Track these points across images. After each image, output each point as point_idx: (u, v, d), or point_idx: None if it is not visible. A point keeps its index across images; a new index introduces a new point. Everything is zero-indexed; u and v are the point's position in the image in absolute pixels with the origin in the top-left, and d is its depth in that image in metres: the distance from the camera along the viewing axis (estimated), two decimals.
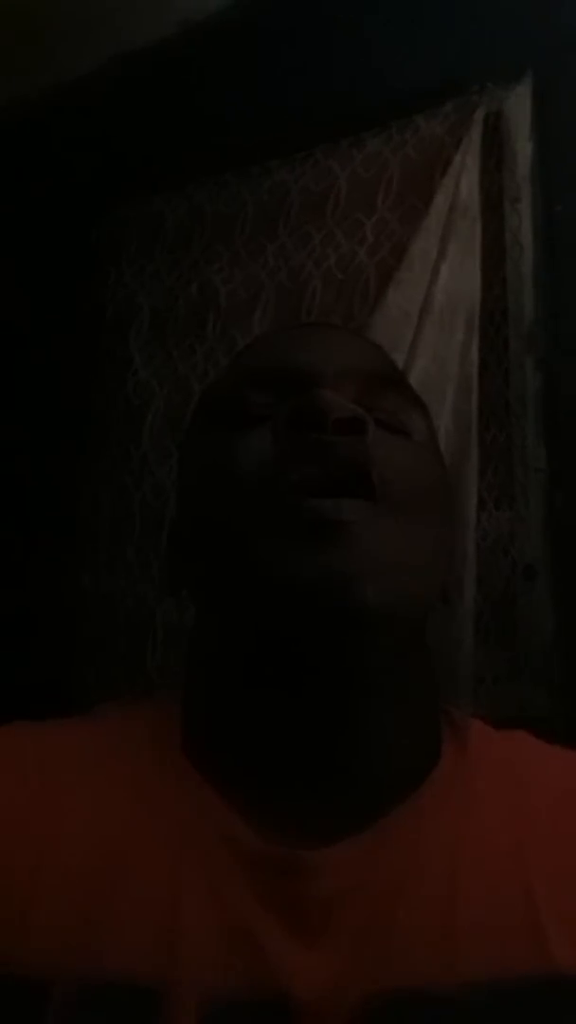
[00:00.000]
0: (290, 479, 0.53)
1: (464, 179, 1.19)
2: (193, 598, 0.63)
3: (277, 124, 1.39)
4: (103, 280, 1.54)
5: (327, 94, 1.35)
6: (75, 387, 1.55)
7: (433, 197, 1.20)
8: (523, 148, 1.22)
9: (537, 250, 1.19)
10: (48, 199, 1.60)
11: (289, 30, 1.39)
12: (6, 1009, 0.50)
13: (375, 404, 0.58)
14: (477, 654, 1.10)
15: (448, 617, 1.04)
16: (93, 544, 1.46)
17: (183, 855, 0.53)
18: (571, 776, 0.61)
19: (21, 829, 0.54)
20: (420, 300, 1.17)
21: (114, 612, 1.39)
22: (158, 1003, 0.49)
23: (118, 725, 0.61)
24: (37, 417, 1.56)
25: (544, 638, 1.12)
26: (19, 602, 1.48)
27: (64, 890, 0.52)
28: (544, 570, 1.14)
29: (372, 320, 1.19)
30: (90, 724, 0.62)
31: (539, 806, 0.58)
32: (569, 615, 1.12)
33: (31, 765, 0.58)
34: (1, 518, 1.53)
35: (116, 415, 1.48)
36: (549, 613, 1.13)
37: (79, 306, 1.56)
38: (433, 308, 1.16)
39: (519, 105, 1.22)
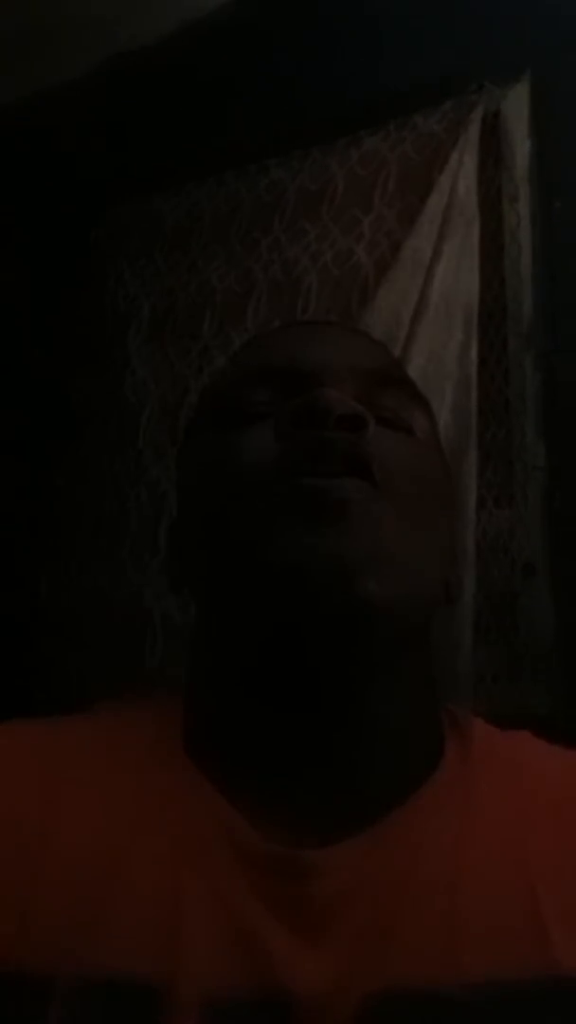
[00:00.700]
0: (291, 474, 0.54)
1: (462, 177, 1.19)
2: (194, 595, 0.63)
3: (275, 123, 1.39)
4: (103, 279, 1.54)
5: (325, 93, 1.36)
6: (72, 385, 1.55)
7: (430, 195, 1.20)
8: (521, 147, 1.22)
9: (535, 248, 1.20)
10: (47, 198, 1.60)
11: (287, 29, 1.39)
12: (8, 1007, 0.50)
13: (377, 402, 0.58)
14: (477, 652, 1.10)
15: (448, 615, 1.04)
16: (89, 543, 1.46)
17: (184, 854, 0.53)
18: (573, 777, 0.61)
19: (21, 827, 0.54)
20: (413, 299, 1.17)
21: (110, 610, 1.39)
22: (159, 1002, 0.49)
23: (119, 723, 0.61)
24: (34, 414, 1.56)
25: (544, 636, 1.12)
26: (13, 600, 1.48)
27: (65, 888, 0.52)
28: (544, 568, 1.14)
29: (368, 317, 1.19)
30: (90, 722, 0.62)
31: (541, 807, 0.58)
32: (569, 613, 1.12)
33: (31, 762, 0.57)
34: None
35: (113, 413, 1.49)
36: (549, 611, 1.13)
37: (79, 305, 1.56)
38: (429, 306, 1.16)
39: (517, 104, 1.22)
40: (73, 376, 1.55)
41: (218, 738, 0.58)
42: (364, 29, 1.33)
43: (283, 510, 0.53)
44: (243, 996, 0.49)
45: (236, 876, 0.52)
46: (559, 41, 1.20)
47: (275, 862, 0.53)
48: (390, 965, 0.50)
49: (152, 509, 1.38)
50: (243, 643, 0.57)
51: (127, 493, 1.43)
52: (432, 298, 1.15)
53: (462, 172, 1.20)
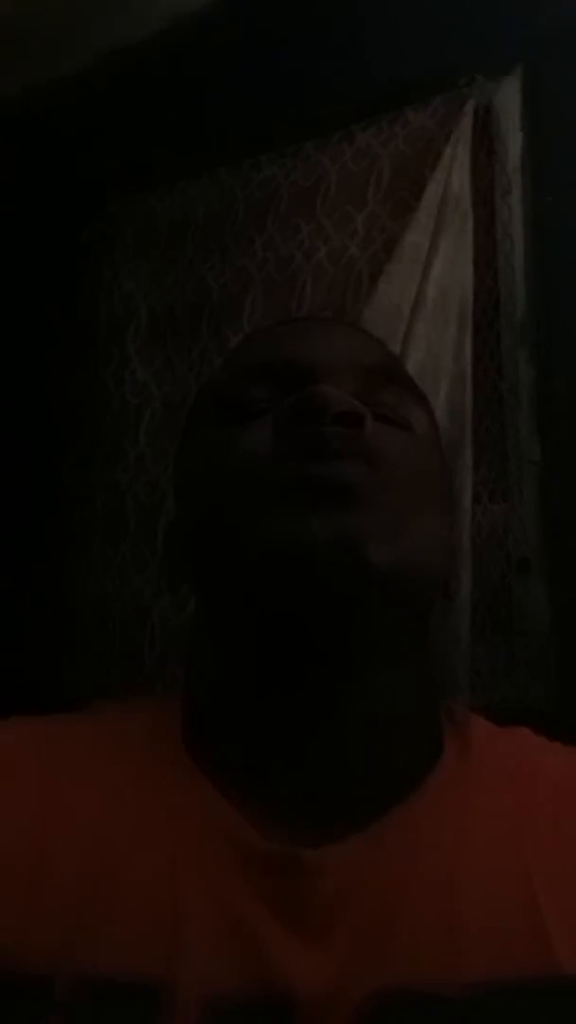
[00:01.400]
0: (289, 462, 0.54)
1: (455, 172, 1.19)
2: (193, 590, 0.63)
3: (267, 118, 1.39)
4: (98, 278, 1.54)
5: (317, 88, 1.35)
6: (70, 386, 1.54)
7: (424, 190, 1.20)
8: (513, 141, 1.22)
9: (528, 242, 1.19)
10: (40, 197, 1.59)
11: (278, 25, 1.39)
12: (7, 1007, 0.49)
13: (375, 398, 0.58)
14: (473, 648, 1.10)
15: (444, 611, 1.04)
16: (88, 543, 1.46)
17: (184, 853, 0.53)
18: (573, 775, 0.61)
19: (21, 826, 0.54)
20: (412, 294, 1.17)
21: (110, 610, 1.39)
22: (159, 1002, 0.49)
23: (118, 721, 0.61)
24: (32, 416, 1.56)
25: (540, 631, 1.12)
26: (13, 600, 1.48)
27: (65, 888, 0.52)
28: (539, 563, 1.14)
29: (364, 314, 1.19)
30: (90, 720, 0.62)
31: (541, 805, 0.58)
32: (564, 607, 1.12)
33: (31, 761, 0.58)
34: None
35: (111, 414, 1.48)
36: (544, 606, 1.13)
37: (74, 304, 1.55)
38: (425, 302, 1.16)
39: (509, 98, 1.22)
40: (71, 376, 1.54)
41: (217, 737, 0.58)
42: (355, 24, 1.33)
43: (283, 494, 0.53)
44: (243, 996, 0.49)
45: (236, 875, 0.52)
46: (550, 34, 1.19)
47: (275, 861, 0.53)
48: (390, 964, 0.50)
49: (151, 510, 1.38)
50: (241, 631, 0.57)
51: (125, 494, 1.43)
52: (429, 293, 1.15)
53: (455, 166, 1.19)
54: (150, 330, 1.47)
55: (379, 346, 0.67)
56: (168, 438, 1.38)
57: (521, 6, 1.21)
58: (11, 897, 0.52)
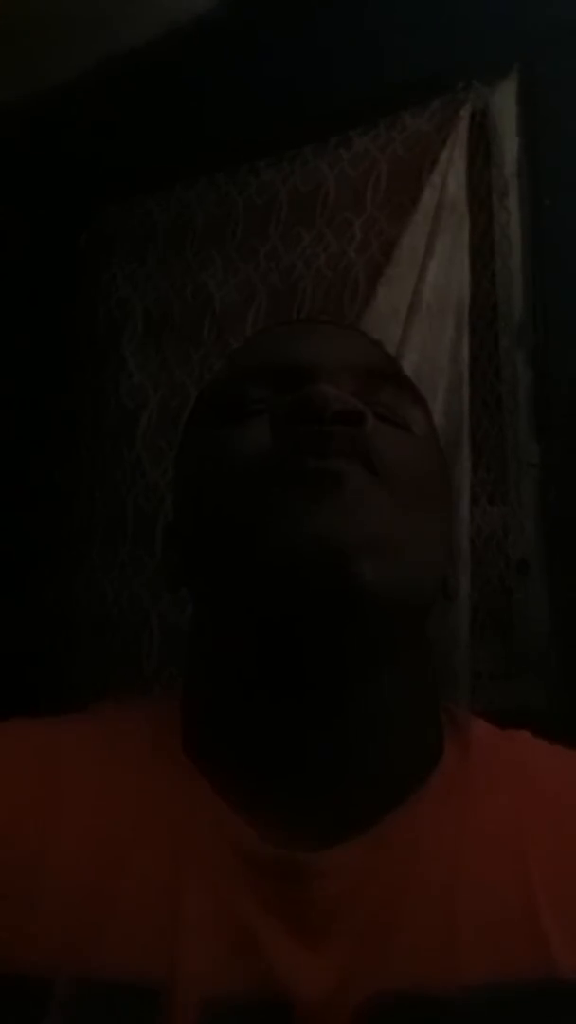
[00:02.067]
0: (286, 458, 0.54)
1: (452, 176, 1.20)
2: (191, 592, 0.63)
3: (265, 123, 1.39)
4: (96, 282, 1.54)
5: (314, 93, 1.35)
6: (67, 389, 1.54)
7: (421, 194, 1.21)
8: (510, 144, 1.22)
9: (526, 245, 1.20)
10: (38, 201, 1.59)
11: (276, 31, 1.39)
12: (7, 1008, 0.49)
13: (374, 398, 0.58)
14: (473, 650, 1.10)
15: (444, 614, 1.04)
16: (86, 546, 1.46)
17: (184, 855, 0.53)
18: (573, 778, 0.61)
19: (20, 827, 0.54)
20: (409, 297, 1.17)
21: (108, 613, 1.39)
22: (159, 1003, 0.49)
23: (117, 723, 0.61)
24: (29, 419, 1.56)
25: (539, 632, 1.12)
26: (13, 602, 1.48)
27: (64, 889, 0.52)
28: (538, 565, 1.14)
29: (362, 318, 1.20)
30: (89, 722, 0.62)
31: (541, 808, 0.57)
32: (564, 609, 1.12)
33: (31, 762, 0.57)
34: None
35: (109, 417, 1.49)
36: (544, 607, 1.13)
37: (72, 306, 1.56)
38: (422, 305, 1.16)
39: (505, 101, 1.23)
40: (69, 379, 1.54)
41: (216, 738, 0.58)
42: (352, 29, 1.33)
43: (277, 488, 0.53)
44: (242, 998, 0.49)
45: (235, 877, 0.52)
46: (546, 37, 1.20)
47: (274, 863, 0.52)
48: (389, 966, 0.50)
49: (150, 513, 1.38)
50: (239, 633, 0.57)
51: (124, 497, 1.43)
52: (425, 296, 1.16)
53: (452, 170, 1.20)
54: (145, 333, 1.48)
55: (377, 347, 0.67)
56: (166, 441, 1.38)
57: (517, 10, 1.21)
58: (11, 898, 0.52)
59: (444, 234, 1.18)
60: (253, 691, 0.56)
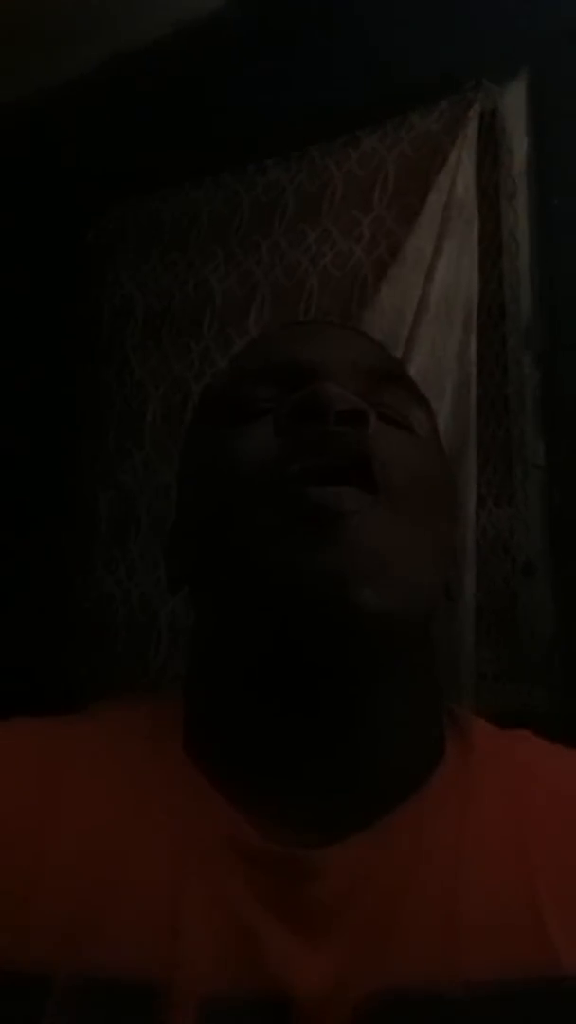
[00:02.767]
0: (292, 470, 0.53)
1: (460, 176, 1.19)
2: (193, 594, 0.63)
3: (273, 123, 1.39)
4: (100, 279, 1.54)
5: (322, 93, 1.35)
6: (72, 387, 1.55)
7: (429, 194, 1.20)
8: (519, 144, 1.22)
9: (533, 246, 1.20)
10: (44, 199, 1.60)
11: (283, 30, 1.39)
12: (6, 1007, 0.49)
13: (377, 399, 0.58)
14: (478, 651, 1.10)
15: (448, 615, 1.04)
16: (93, 545, 1.46)
17: (184, 853, 0.53)
18: (574, 778, 0.60)
19: (21, 825, 0.54)
20: (416, 297, 1.17)
21: (115, 612, 1.39)
22: (158, 1002, 0.49)
23: (118, 722, 0.61)
24: (35, 417, 1.56)
25: (544, 634, 1.12)
26: (22, 602, 1.48)
27: (64, 887, 0.52)
28: (543, 566, 1.14)
29: (368, 317, 1.19)
30: (90, 721, 0.62)
31: (543, 807, 0.57)
32: (569, 611, 1.12)
33: (32, 761, 0.58)
34: (2, 520, 1.53)
35: (113, 416, 1.49)
36: (549, 609, 1.13)
37: (76, 304, 1.56)
38: (429, 305, 1.16)
39: (514, 101, 1.22)
40: (71, 377, 1.55)
41: (217, 737, 0.58)
42: (360, 28, 1.33)
43: (282, 521, 0.53)
44: (242, 996, 0.49)
45: (236, 875, 0.52)
46: (556, 37, 1.20)
47: (275, 862, 0.52)
48: (390, 965, 0.50)
49: (161, 513, 1.38)
50: (242, 647, 0.57)
51: (136, 498, 1.43)
52: (433, 297, 1.15)
53: (460, 171, 1.19)
54: (145, 329, 1.48)
55: (380, 348, 0.67)
56: (172, 440, 1.38)
57: (526, 10, 1.21)
58: (10, 896, 0.52)
59: (452, 235, 1.18)
60: (255, 691, 0.56)
